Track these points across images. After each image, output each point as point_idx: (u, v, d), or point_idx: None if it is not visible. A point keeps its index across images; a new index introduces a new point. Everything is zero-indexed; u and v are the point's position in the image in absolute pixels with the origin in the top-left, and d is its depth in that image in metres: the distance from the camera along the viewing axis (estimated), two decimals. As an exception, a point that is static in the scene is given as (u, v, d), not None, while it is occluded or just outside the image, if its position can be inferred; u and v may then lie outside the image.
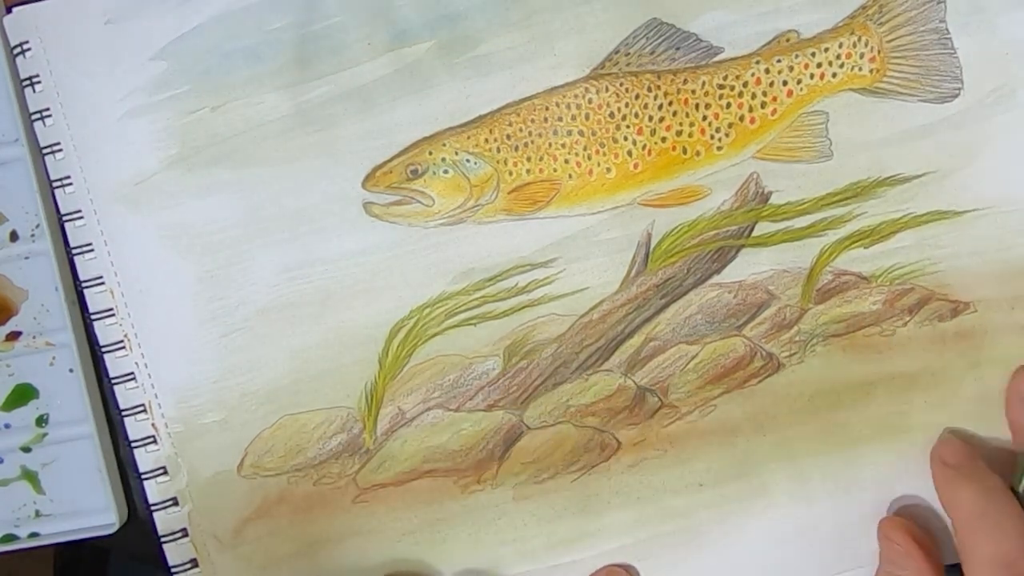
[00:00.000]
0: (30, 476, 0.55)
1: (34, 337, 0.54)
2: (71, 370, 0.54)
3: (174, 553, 0.54)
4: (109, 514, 0.54)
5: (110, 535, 0.55)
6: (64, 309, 0.54)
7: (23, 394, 0.55)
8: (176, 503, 0.54)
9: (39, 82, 0.53)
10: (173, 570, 0.54)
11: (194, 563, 0.54)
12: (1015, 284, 0.51)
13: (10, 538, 0.55)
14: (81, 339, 0.54)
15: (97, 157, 0.52)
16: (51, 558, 0.59)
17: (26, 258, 0.54)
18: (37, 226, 0.54)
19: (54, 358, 0.54)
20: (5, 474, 0.55)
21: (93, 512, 0.55)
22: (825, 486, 0.52)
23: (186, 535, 0.54)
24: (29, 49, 0.53)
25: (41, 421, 0.55)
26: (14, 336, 0.55)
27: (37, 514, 0.55)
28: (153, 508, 0.54)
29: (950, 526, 0.49)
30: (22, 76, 0.53)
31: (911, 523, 0.51)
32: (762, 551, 0.53)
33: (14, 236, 0.54)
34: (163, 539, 0.54)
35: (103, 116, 0.52)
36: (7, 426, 0.55)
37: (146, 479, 0.54)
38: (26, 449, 0.55)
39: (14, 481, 0.55)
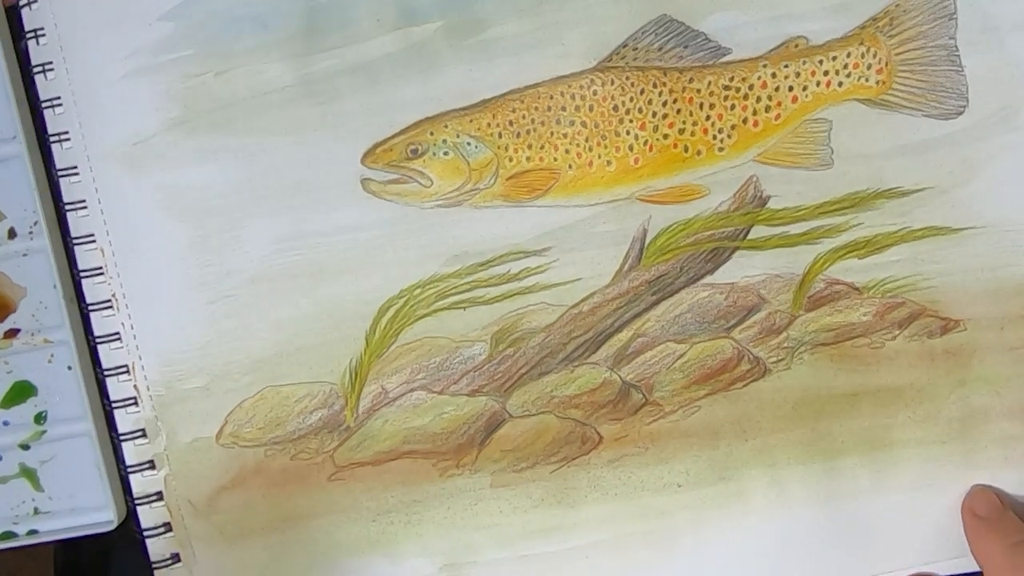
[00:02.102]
0: (29, 473, 0.55)
1: (32, 334, 0.54)
2: (69, 367, 0.54)
3: (148, 517, 0.54)
4: (107, 511, 0.54)
5: (108, 532, 0.54)
6: (62, 306, 0.53)
7: (22, 391, 0.54)
8: (153, 466, 0.53)
9: (44, 35, 0.52)
10: (155, 565, 0.54)
11: (176, 558, 0.54)
12: (1007, 304, 0.51)
13: (9, 535, 0.55)
14: (79, 336, 0.54)
15: (97, 114, 0.52)
16: (51, 557, 0.58)
17: (24, 255, 0.54)
18: (35, 223, 0.54)
19: (52, 355, 0.54)
20: (4, 471, 0.55)
21: (91, 509, 0.55)
22: (803, 495, 0.52)
23: (161, 499, 0.54)
24: (35, 1, 0.52)
25: (40, 418, 0.54)
26: (12, 333, 0.54)
27: (36, 511, 0.55)
28: (130, 470, 0.53)
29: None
30: (27, 28, 0.53)
31: None
32: (737, 556, 0.53)
33: (12, 234, 0.54)
34: (138, 502, 0.54)
35: (106, 73, 0.52)
36: (6, 423, 0.55)
37: (124, 441, 0.53)
38: (25, 446, 0.55)
39: (13, 478, 0.55)
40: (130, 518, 0.54)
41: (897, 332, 0.51)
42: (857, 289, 0.51)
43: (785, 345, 0.52)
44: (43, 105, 0.53)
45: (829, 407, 0.52)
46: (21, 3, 0.53)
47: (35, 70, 0.53)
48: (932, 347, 0.51)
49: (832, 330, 0.52)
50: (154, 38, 0.52)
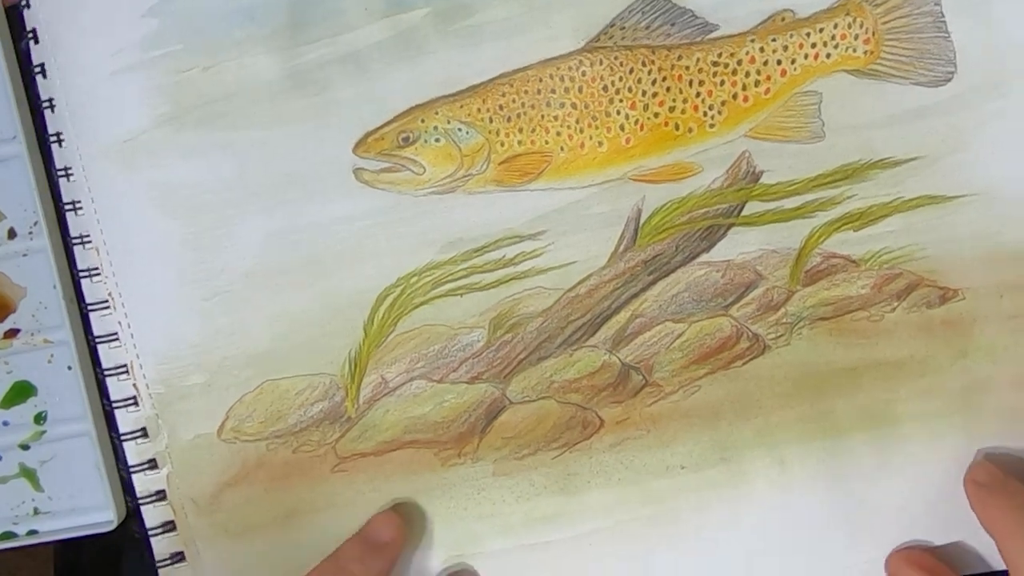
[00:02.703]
0: (28, 473, 0.55)
1: (32, 334, 0.54)
2: (69, 367, 0.54)
3: (151, 516, 0.54)
4: (107, 512, 0.54)
5: (109, 532, 0.54)
6: (62, 307, 0.54)
7: (21, 391, 0.55)
8: (155, 465, 0.53)
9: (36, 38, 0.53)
10: (158, 565, 0.54)
11: (180, 557, 0.54)
12: (1004, 271, 0.51)
13: (9, 535, 0.55)
14: (79, 336, 0.54)
15: (88, 113, 0.52)
16: (52, 557, 0.58)
17: (24, 255, 0.54)
18: (35, 224, 0.54)
19: (52, 355, 0.54)
20: (4, 471, 0.55)
21: (91, 509, 0.55)
22: (806, 475, 0.52)
23: (164, 498, 0.53)
24: (27, 6, 0.53)
25: (39, 418, 0.55)
26: (12, 333, 0.55)
27: (36, 511, 0.55)
28: (132, 470, 0.53)
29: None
30: (28, 28, 0.53)
31: (922, 554, 0.51)
32: (741, 537, 0.53)
33: (12, 234, 0.54)
34: (141, 501, 0.53)
35: (95, 72, 0.52)
36: (5, 423, 0.55)
37: (125, 440, 0.53)
38: (24, 447, 0.55)
39: (13, 478, 0.55)
40: (130, 518, 0.54)
41: (896, 304, 0.51)
42: (854, 262, 0.51)
43: (784, 321, 0.52)
44: (42, 105, 0.53)
45: (830, 383, 0.52)
46: (21, 3, 0.53)
47: (34, 70, 0.53)
48: (931, 318, 0.51)
49: (830, 304, 0.51)
50: (141, 34, 0.52)
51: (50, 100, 0.53)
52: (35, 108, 0.54)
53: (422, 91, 0.51)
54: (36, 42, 0.53)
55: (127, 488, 0.54)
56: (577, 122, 0.51)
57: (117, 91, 0.52)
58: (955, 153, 0.50)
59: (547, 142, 0.51)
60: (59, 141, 0.53)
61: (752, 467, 0.52)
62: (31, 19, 0.53)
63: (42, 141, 0.54)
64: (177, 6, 0.51)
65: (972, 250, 0.51)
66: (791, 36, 0.50)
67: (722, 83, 0.50)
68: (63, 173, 0.53)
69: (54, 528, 0.55)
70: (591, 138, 0.51)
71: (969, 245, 0.51)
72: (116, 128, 0.52)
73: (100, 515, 0.54)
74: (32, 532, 0.55)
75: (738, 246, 0.51)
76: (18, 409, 0.55)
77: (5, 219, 0.54)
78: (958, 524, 0.51)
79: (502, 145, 0.51)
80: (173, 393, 0.53)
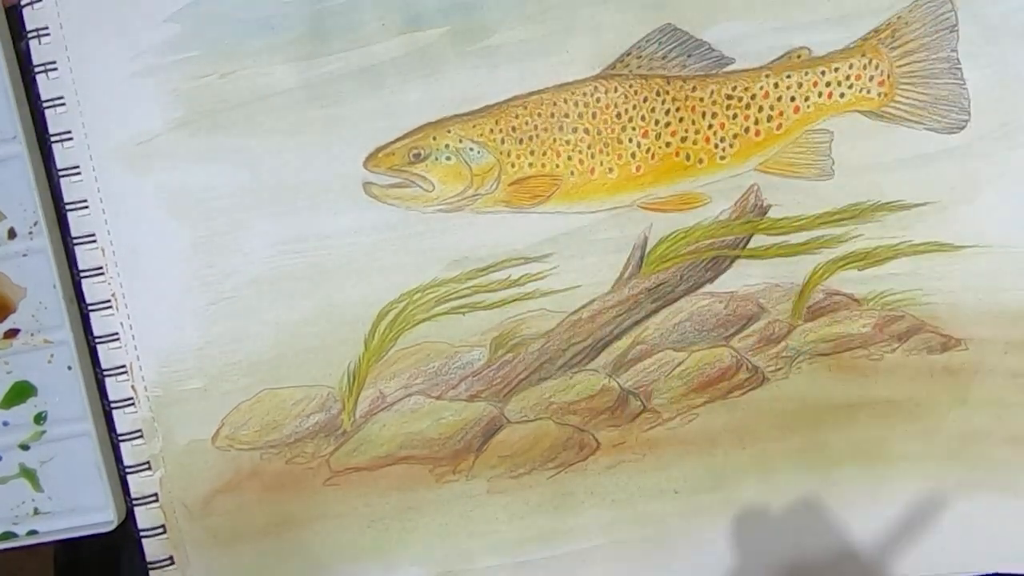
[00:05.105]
0: (28, 474, 0.55)
1: (32, 335, 0.54)
2: (69, 367, 0.54)
3: (144, 518, 0.54)
4: (107, 512, 0.54)
5: (109, 532, 0.54)
6: (62, 307, 0.53)
7: (21, 391, 0.54)
8: (149, 467, 0.53)
9: (47, 34, 0.52)
10: (151, 567, 0.54)
11: (171, 560, 0.54)
12: (1010, 328, 0.51)
13: (9, 535, 0.55)
14: (79, 336, 0.54)
15: (102, 113, 0.52)
16: (52, 557, 0.58)
17: (24, 256, 0.54)
18: (35, 224, 0.53)
19: (52, 355, 0.54)
20: (4, 471, 0.55)
21: (91, 510, 0.54)
22: (798, 503, 0.52)
23: (156, 500, 0.53)
24: (39, 1, 0.52)
25: (39, 418, 0.54)
26: (12, 334, 0.54)
27: (36, 512, 0.55)
28: (128, 471, 0.53)
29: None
30: (29, 28, 0.52)
31: None
32: (732, 563, 0.53)
33: (12, 234, 0.54)
34: (135, 503, 0.53)
35: (112, 73, 0.52)
36: (5, 423, 0.54)
37: (122, 441, 0.53)
38: (24, 447, 0.54)
39: (13, 479, 0.55)
40: (130, 518, 0.54)
41: (896, 345, 0.51)
42: (856, 300, 0.51)
43: (784, 355, 0.52)
44: (44, 105, 0.52)
45: (826, 417, 0.52)
46: (22, 3, 0.52)
47: (36, 70, 0.52)
48: (932, 363, 0.51)
49: (831, 340, 0.52)
50: (161, 39, 0.51)
51: (57, 98, 0.52)
52: (35, 108, 0.53)
53: (436, 109, 0.51)
54: (45, 39, 0.52)
55: (127, 488, 0.54)
56: (589, 147, 0.51)
57: (134, 93, 0.52)
58: (966, 202, 0.51)
59: (558, 166, 0.51)
60: (62, 140, 0.52)
61: (745, 494, 0.53)
62: (40, 16, 0.52)
63: (42, 141, 0.53)
64: (198, 12, 0.51)
65: (978, 303, 0.51)
66: (806, 74, 0.50)
67: (735, 116, 0.50)
68: (68, 172, 0.52)
69: (54, 528, 0.55)
70: (602, 164, 0.51)
71: (975, 297, 0.51)
72: (130, 129, 0.52)
73: (100, 515, 0.54)
74: (32, 532, 0.55)
75: (742, 278, 0.52)
76: (18, 409, 0.54)
77: (5, 219, 0.54)
78: (944, 560, 0.52)
79: (513, 166, 0.51)
80: (170, 396, 0.53)
